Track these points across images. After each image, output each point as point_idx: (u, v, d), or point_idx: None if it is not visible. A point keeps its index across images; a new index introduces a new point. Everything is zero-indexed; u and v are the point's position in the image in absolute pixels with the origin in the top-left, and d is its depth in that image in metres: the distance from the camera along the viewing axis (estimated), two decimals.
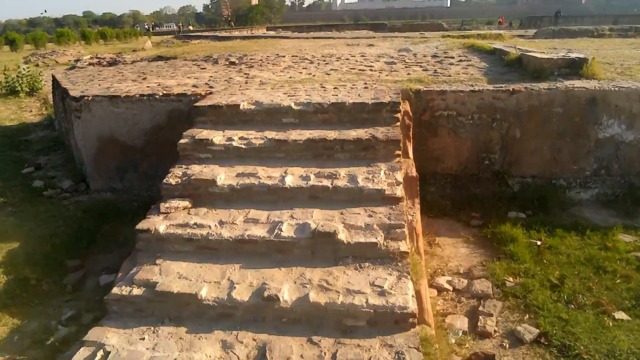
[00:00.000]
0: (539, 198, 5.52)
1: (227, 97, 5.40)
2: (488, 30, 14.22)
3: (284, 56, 8.67)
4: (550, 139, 5.56)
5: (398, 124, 4.71)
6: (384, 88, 5.48)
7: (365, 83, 5.95)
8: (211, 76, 7.32)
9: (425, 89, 5.49)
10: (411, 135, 4.98)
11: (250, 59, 8.65)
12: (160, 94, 5.98)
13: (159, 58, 11.73)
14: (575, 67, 5.95)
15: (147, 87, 6.64)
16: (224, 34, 29.85)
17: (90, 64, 13.77)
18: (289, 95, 5.28)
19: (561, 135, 5.54)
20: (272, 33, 43.29)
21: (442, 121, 5.49)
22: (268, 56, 8.87)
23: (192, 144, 4.57)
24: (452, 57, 7.74)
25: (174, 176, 4.25)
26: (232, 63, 8.38)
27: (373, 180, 3.99)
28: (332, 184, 3.96)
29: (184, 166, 4.42)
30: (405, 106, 4.99)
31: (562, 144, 5.57)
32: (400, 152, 4.34)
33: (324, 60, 8.04)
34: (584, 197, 5.72)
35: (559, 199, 5.57)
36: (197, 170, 4.27)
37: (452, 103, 5.45)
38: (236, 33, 32.87)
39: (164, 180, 4.18)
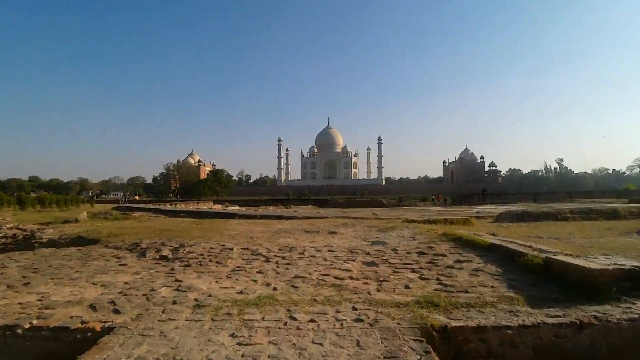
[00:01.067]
0: None
1: (135, 343, 3.09)
2: (451, 214, 12.96)
3: (232, 249, 6.62)
4: None
5: None
6: (390, 324, 3.39)
7: (355, 307, 3.86)
8: (127, 282, 5.04)
9: (453, 323, 3.46)
10: None
11: (189, 251, 6.53)
12: (27, 325, 3.60)
13: (79, 239, 9.50)
14: (638, 280, 4.25)
15: (19, 304, 4.23)
16: (168, 207, 28.08)
17: (3, 237, 12.26)
18: (239, 343, 3.04)
19: None
20: (218, 207, 42.15)
21: None
22: (212, 248, 6.78)
23: None
24: (444, 255, 5.97)
25: None
26: (164, 258, 6.20)
27: None
28: None
29: None
30: None
31: None
32: None
33: (283, 258, 6.03)
34: None
35: None
36: None
37: (497, 345, 3.41)
38: (182, 207, 31.24)
39: None
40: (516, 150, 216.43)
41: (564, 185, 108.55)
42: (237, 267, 5.46)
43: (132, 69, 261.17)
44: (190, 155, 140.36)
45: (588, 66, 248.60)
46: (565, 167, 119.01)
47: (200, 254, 6.26)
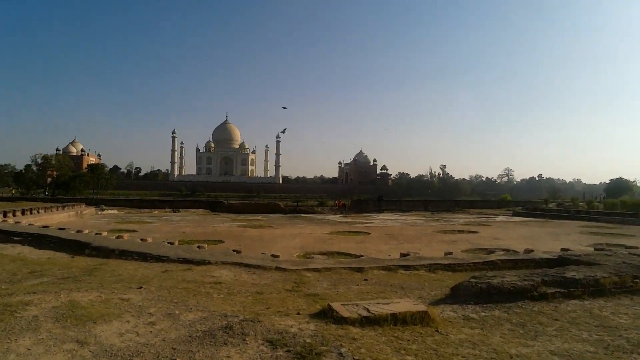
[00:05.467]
0: None
1: None
2: (374, 260, 9.08)
3: None
4: None
5: None
6: None
7: None
8: None
9: None
10: None
11: None
12: None
13: None
14: None
15: None
16: (3, 224, 21.02)
17: None
18: None
19: None
20: (91, 211, 34.39)
21: None
22: None
23: None
24: None
25: None
26: None
27: None
28: None
29: None
30: None
31: None
32: None
33: None
34: None
35: None
36: None
37: None
38: (27, 219, 23.86)
39: None
40: (405, 156, 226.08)
41: (446, 189, 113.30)
42: None
43: (11, 42, 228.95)
44: (72, 143, 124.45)
45: (472, 86, 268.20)
46: (447, 174, 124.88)
47: None
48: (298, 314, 6.43)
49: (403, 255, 12.68)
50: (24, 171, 71.55)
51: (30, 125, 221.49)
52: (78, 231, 16.74)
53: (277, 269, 10.39)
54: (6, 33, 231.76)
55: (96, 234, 16.20)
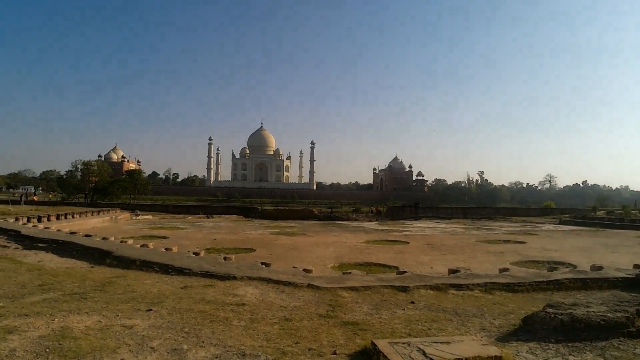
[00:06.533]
0: None
1: None
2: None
3: None
4: None
5: None
6: None
7: None
8: None
9: None
10: None
11: None
12: None
13: None
14: None
15: None
16: (32, 229, 20.45)
17: None
18: None
19: None
20: (126, 216, 34.17)
21: None
22: None
23: None
24: None
25: None
26: None
27: None
28: None
29: None
30: None
31: None
32: None
33: None
34: None
35: None
36: None
37: None
38: (55, 224, 23.27)
39: None
40: (441, 162, 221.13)
41: (484, 196, 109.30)
42: None
43: (56, 54, 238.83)
44: (114, 150, 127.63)
45: (511, 89, 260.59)
46: (486, 180, 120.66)
47: None
48: (334, 353, 5.04)
49: (452, 271, 11.09)
50: (65, 177, 73.35)
51: (75, 133, 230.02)
52: (103, 238, 15.94)
53: (310, 286, 9.04)
54: (53, 44, 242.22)
55: (120, 241, 15.33)
